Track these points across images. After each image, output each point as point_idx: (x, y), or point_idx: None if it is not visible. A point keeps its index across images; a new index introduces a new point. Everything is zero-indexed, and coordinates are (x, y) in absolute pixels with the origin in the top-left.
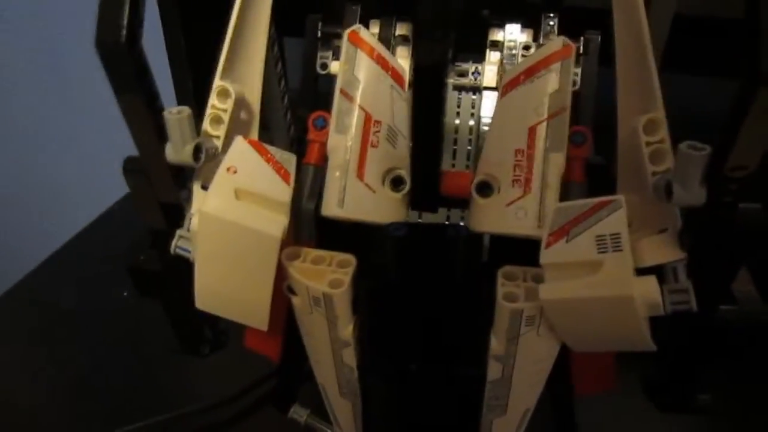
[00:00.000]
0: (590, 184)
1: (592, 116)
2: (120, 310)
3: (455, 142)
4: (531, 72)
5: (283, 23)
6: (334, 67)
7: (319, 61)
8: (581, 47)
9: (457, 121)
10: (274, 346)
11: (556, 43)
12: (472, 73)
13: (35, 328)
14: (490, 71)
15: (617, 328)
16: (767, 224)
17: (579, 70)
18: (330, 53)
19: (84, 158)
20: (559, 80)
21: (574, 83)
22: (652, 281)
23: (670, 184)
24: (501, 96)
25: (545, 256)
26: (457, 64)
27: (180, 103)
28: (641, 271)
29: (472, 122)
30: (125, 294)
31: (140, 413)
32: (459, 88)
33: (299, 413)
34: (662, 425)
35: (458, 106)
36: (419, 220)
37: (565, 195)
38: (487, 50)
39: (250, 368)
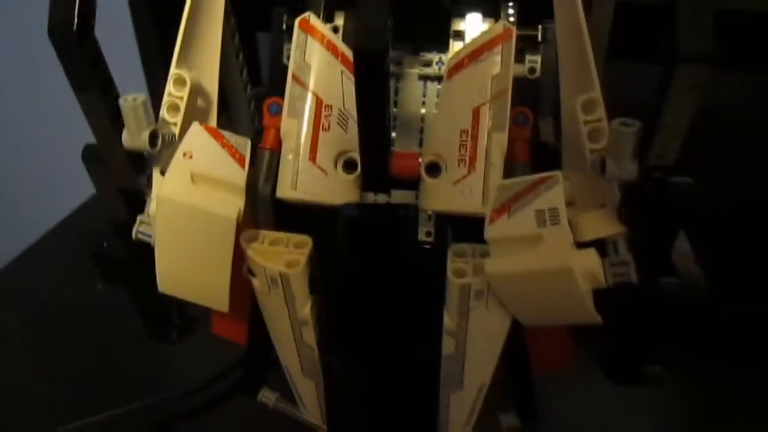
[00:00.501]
0: (552, 168)
1: (553, 104)
2: (93, 303)
3: (421, 131)
4: (474, 56)
5: (254, 18)
6: None
7: (285, 53)
8: (540, 36)
9: (423, 111)
10: (241, 331)
11: (498, 27)
12: (436, 63)
13: (8, 321)
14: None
15: (561, 300)
16: (697, 197)
17: (538, 58)
18: None
19: (59, 152)
20: (501, 63)
21: (534, 71)
22: (591, 254)
23: (604, 160)
24: (446, 79)
25: (489, 231)
26: (421, 54)
27: (151, 92)
28: (584, 246)
29: (436, 111)
30: (99, 287)
31: (113, 402)
32: (424, 78)
33: (268, 396)
34: (620, 400)
35: (423, 96)
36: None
37: (510, 175)
38: (451, 40)
39: (222, 354)
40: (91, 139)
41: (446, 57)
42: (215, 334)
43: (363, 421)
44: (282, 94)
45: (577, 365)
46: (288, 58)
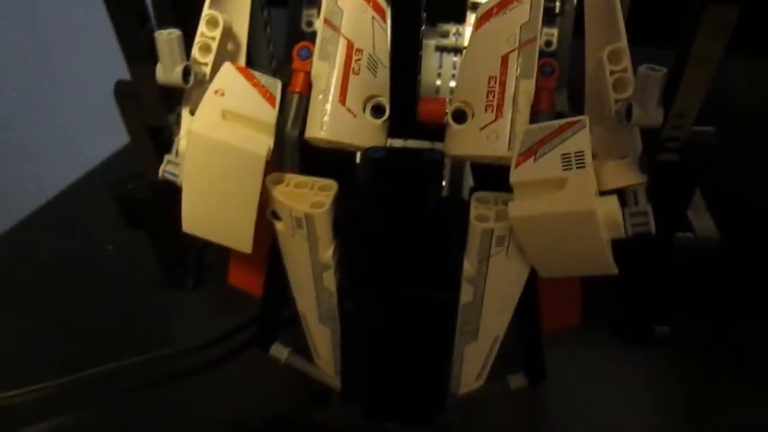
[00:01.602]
0: None
1: (568, 76)
2: (105, 261)
3: None
4: (504, 5)
5: None
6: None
7: (304, 19)
8: (557, 7)
9: (439, 82)
10: (257, 282)
11: None
12: (453, 34)
13: (19, 277)
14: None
15: (581, 247)
16: (718, 146)
17: (555, 31)
18: (315, 11)
19: (65, 119)
20: (530, 11)
21: (551, 44)
22: (613, 200)
23: (630, 107)
24: (475, 28)
25: (514, 175)
26: (438, 25)
27: None
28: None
29: (453, 83)
30: (109, 248)
31: (123, 354)
32: (440, 49)
33: (280, 351)
34: (625, 357)
35: (440, 67)
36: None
37: (534, 123)
38: (468, 12)
39: (235, 308)
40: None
41: (463, 29)
42: (230, 285)
43: (375, 372)
44: None
45: (584, 329)
46: (306, 23)
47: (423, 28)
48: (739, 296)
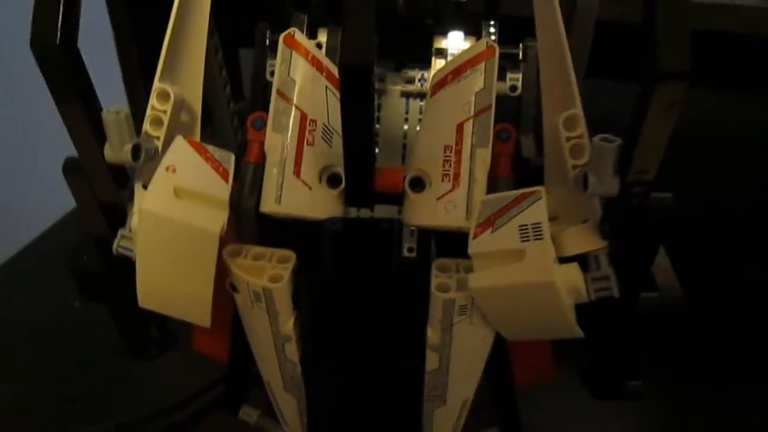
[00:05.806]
0: (533, 184)
1: (534, 120)
2: (70, 319)
3: (404, 147)
4: (458, 72)
5: (237, 34)
6: None
7: (268, 69)
8: (520, 54)
9: (406, 127)
10: (223, 348)
11: (480, 44)
12: (419, 80)
13: None
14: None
15: (543, 314)
16: (677, 212)
17: (519, 76)
18: None
19: (34, 170)
20: (484, 80)
21: (516, 88)
22: (574, 268)
23: (586, 176)
24: (430, 96)
25: (473, 246)
26: (404, 71)
27: (132, 105)
28: (566, 260)
29: (420, 127)
30: (76, 303)
31: (89, 420)
32: (406, 95)
33: (249, 414)
34: (598, 412)
35: (406, 112)
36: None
37: (493, 189)
38: (433, 58)
39: (201, 371)
40: (68, 152)
41: (428, 74)
42: (196, 351)
43: None
44: (265, 109)
45: (557, 380)
46: (271, 73)
47: (388, 75)
48: (709, 350)
